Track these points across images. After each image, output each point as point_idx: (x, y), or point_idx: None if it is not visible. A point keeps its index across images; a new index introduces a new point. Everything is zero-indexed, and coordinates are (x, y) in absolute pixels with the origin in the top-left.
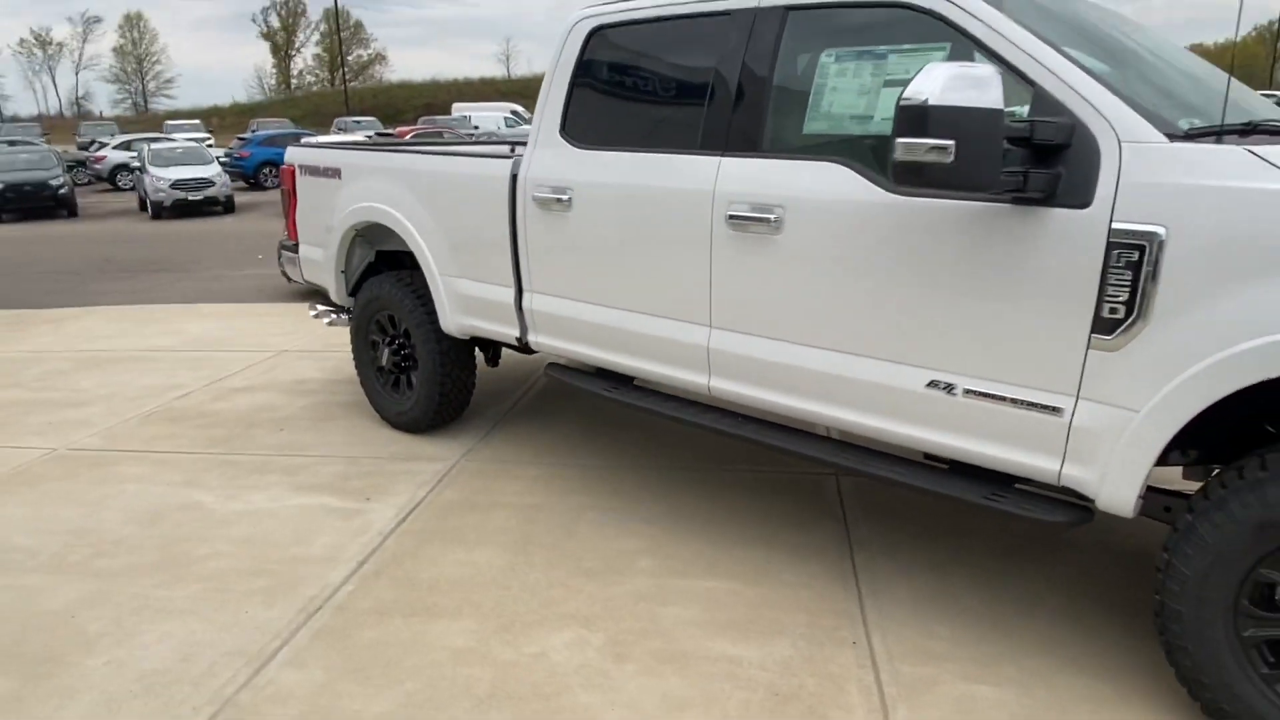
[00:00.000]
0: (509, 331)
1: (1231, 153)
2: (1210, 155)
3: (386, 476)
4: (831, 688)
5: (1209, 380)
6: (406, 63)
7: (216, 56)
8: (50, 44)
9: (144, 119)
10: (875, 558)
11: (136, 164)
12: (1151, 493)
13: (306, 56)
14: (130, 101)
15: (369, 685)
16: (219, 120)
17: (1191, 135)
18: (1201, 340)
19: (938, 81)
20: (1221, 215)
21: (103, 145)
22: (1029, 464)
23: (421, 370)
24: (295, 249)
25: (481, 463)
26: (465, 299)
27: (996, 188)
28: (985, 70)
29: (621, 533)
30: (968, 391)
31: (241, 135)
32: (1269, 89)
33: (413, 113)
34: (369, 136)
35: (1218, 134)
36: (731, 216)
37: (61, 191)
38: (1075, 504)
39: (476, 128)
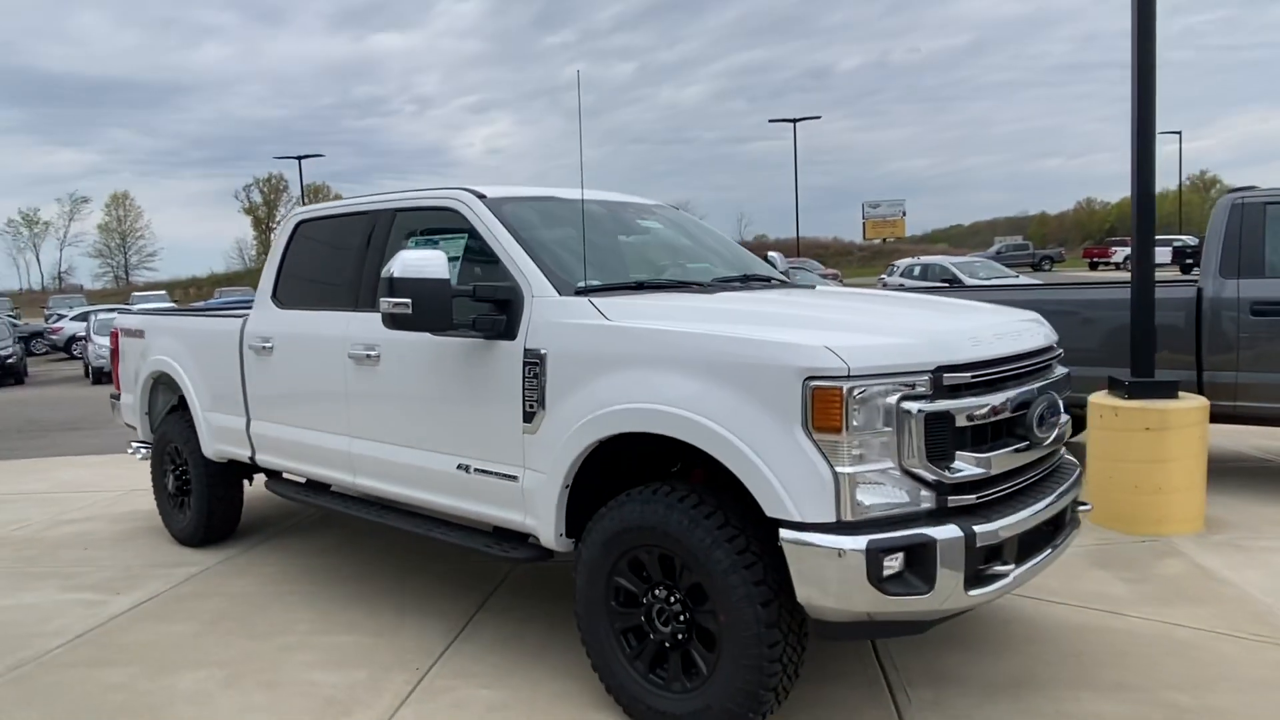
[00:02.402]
0: (244, 453)
1: (580, 302)
2: (571, 304)
3: (146, 578)
4: (373, 696)
5: (572, 445)
6: None
7: (204, 230)
8: (37, 223)
9: (123, 291)
10: (490, 617)
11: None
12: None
13: None
14: (112, 275)
15: (29, 707)
16: (196, 290)
17: (581, 291)
18: (568, 421)
19: (399, 263)
20: (569, 340)
21: (61, 317)
22: (513, 519)
23: (194, 491)
24: (119, 398)
25: (230, 566)
26: (217, 429)
27: (448, 330)
28: (435, 254)
29: (302, 608)
30: (478, 470)
31: (193, 305)
32: (1179, 233)
33: None
34: None
35: (586, 290)
36: (351, 354)
37: (10, 361)
38: (541, 546)
39: None
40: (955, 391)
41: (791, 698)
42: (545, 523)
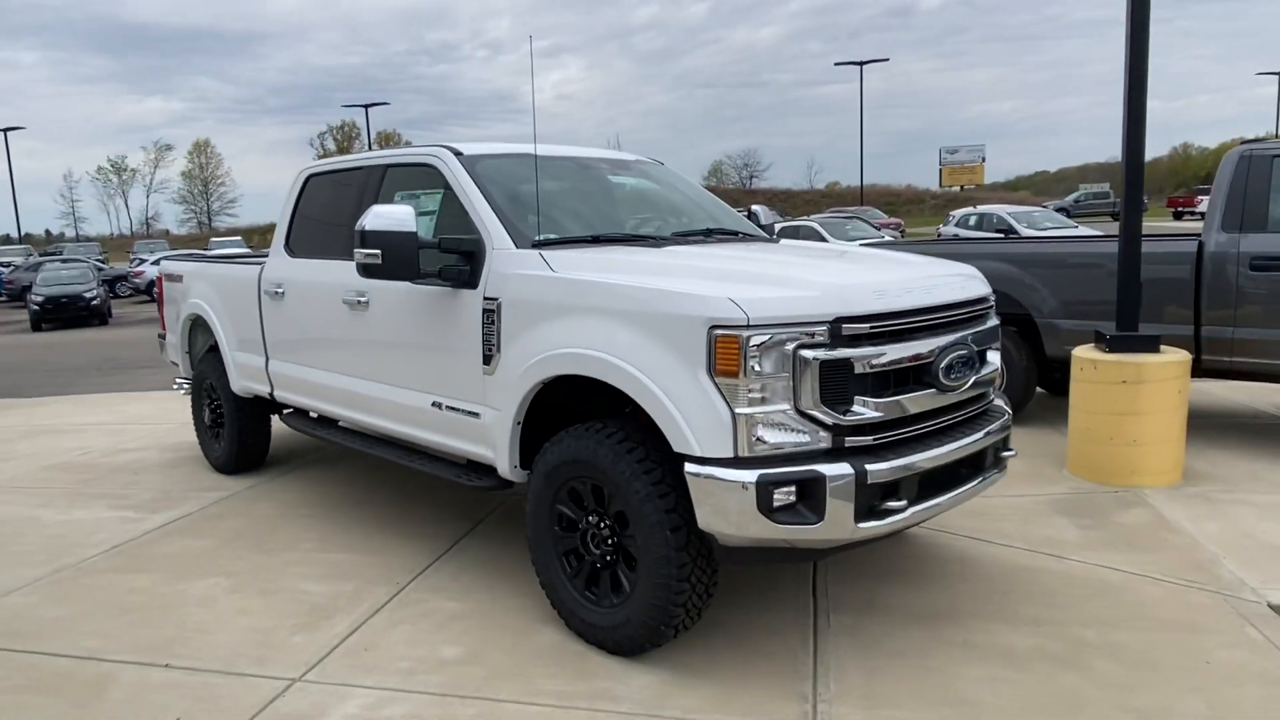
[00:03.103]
0: (265, 389)
1: (532, 255)
2: (523, 256)
3: (182, 500)
4: (354, 604)
5: (520, 385)
6: None
7: (283, 177)
8: (125, 170)
9: (206, 237)
10: (473, 542)
11: None
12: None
13: None
14: (195, 221)
15: (62, 603)
16: (274, 236)
17: (538, 244)
18: (517, 364)
19: (370, 216)
20: (519, 289)
21: (143, 261)
22: (477, 452)
23: (227, 423)
24: (165, 338)
25: (256, 492)
26: (243, 367)
27: (416, 278)
28: (404, 209)
29: (311, 529)
30: (448, 407)
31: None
32: None
33: None
34: None
35: (540, 243)
36: (345, 300)
37: (94, 303)
38: (502, 476)
39: None
40: (855, 341)
41: (721, 617)
42: (501, 455)
